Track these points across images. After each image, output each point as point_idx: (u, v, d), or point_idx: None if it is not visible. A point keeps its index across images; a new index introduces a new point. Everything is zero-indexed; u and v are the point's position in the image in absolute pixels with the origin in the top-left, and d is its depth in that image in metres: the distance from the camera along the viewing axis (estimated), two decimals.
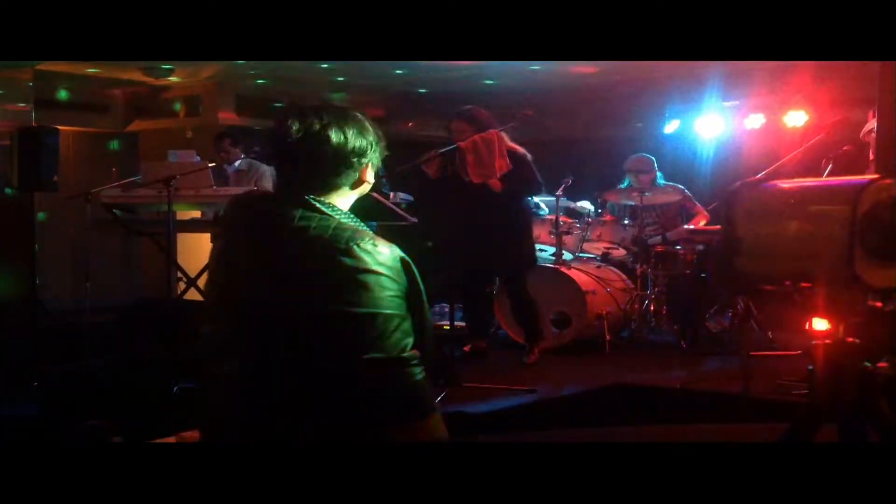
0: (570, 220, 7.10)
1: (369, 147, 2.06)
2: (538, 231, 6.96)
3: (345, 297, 1.86)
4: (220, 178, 6.89)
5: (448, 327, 5.61)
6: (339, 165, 2.01)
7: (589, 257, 7.15)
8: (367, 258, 1.89)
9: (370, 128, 2.08)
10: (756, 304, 6.12)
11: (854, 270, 1.29)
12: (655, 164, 7.10)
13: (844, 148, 5.88)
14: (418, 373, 1.87)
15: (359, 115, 2.08)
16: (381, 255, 1.91)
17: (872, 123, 5.80)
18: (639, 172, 7.02)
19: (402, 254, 1.96)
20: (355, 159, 2.03)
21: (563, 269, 6.50)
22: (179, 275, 6.72)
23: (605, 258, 7.14)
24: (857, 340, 1.29)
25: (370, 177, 2.09)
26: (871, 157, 5.77)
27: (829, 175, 5.43)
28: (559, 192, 6.82)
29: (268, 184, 7.09)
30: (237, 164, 7.24)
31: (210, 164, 6.60)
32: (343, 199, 2.07)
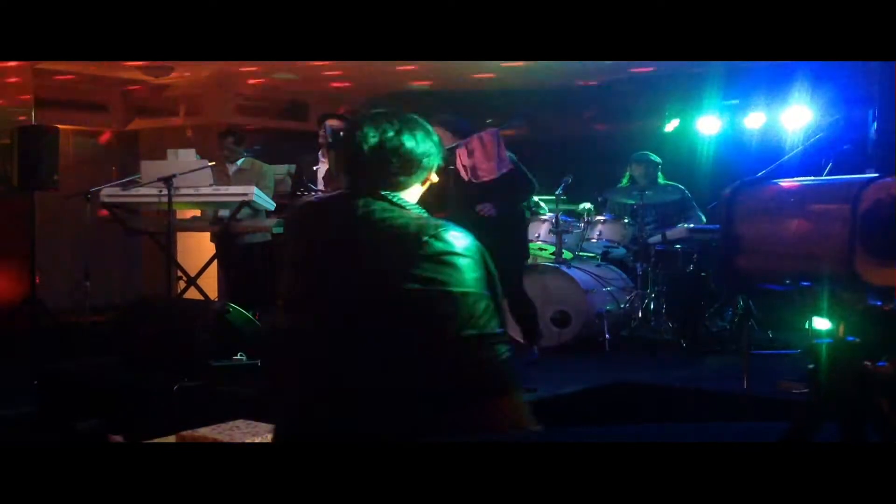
0: (570, 220, 7.10)
1: (435, 149, 2.27)
2: (538, 229, 6.96)
3: (441, 278, 2.04)
4: (221, 177, 6.89)
5: None
6: (412, 167, 2.22)
7: (589, 256, 7.16)
8: (455, 243, 2.08)
9: (433, 131, 2.30)
10: (756, 302, 6.12)
11: (854, 269, 1.29)
12: (660, 165, 7.10)
13: (844, 147, 5.88)
14: (506, 350, 2.05)
15: (423, 120, 2.29)
16: (465, 241, 2.10)
17: None
18: (647, 165, 7.01)
19: (478, 242, 2.15)
20: (425, 160, 2.24)
21: (563, 268, 6.50)
22: (179, 274, 6.73)
23: (605, 257, 7.14)
24: (857, 339, 1.28)
25: (434, 176, 2.31)
26: None
27: (828, 174, 5.44)
28: (559, 192, 6.82)
29: (269, 182, 7.08)
30: (239, 162, 7.24)
31: (210, 164, 6.60)
32: (413, 195, 2.27)
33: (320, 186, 5.94)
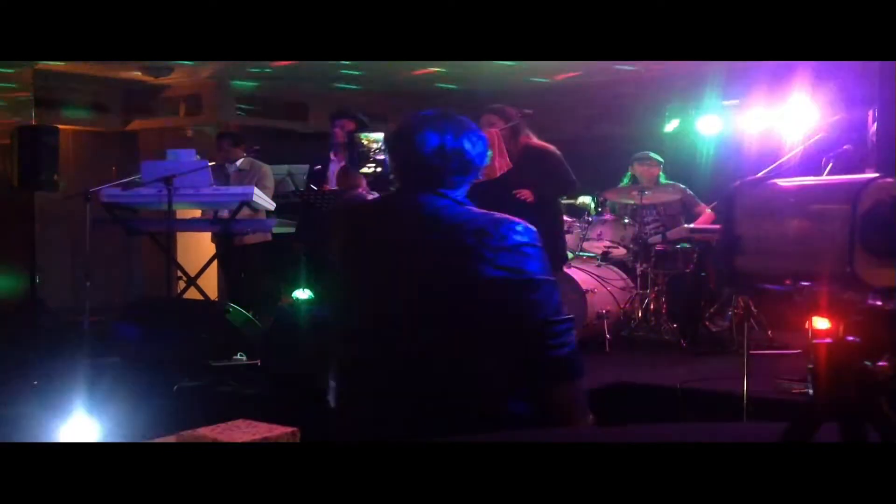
0: (571, 219, 7.09)
1: (486, 150, 2.39)
2: None
3: (525, 267, 2.17)
4: (220, 178, 6.89)
5: None
6: (468, 168, 2.34)
7: (589, 256, 7.15)
8: (529, 235, 2.22)
9: (482, 134, 2.41)
10: (756, 303, 6.12)
11: (854, 269, 1.29)
12: (662, 164, 7.11)
13: (844, 147, 5.88)
14: (574, 335, 2.22)
15: (472, 122, 2.41)
16: (533, 231, 2.24)
17: None
18: (650, 165, 7.01)
19: None
20: (478, 161, 2.36)
21: (563, 268, 6.49)
22: (179, 274, 6.73)
23: (606, 257, 7.13)
24: (857, 339, 1.28)
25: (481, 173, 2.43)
26: None
27: (829, 174, 5.43)
28: None
29: (269, 182, 7.08)
30: (238, 163, 7.24)
31: (210, 164, 6.60)
32: (463, 193, 2.37)
33: (332, 186, 5.93)
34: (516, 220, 2.25)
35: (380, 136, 2.88)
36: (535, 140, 5.65)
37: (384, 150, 2.86)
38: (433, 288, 2.19)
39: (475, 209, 2.29)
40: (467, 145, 2.33)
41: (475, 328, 2.17)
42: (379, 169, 2.85)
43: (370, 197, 2.65)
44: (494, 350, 2.17)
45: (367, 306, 2.30)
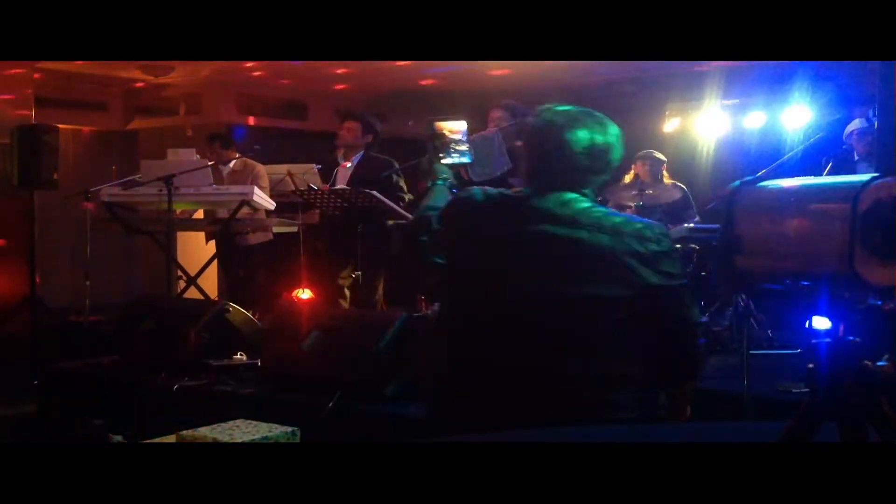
0: None
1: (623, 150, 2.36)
2: None
3: (678, 272, 2.20)
4: (216, 179, 6.89)
5: None
6: (608, 169, 2.32)
7: None
8: (672, 240, 2.25)
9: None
10: (756, 302, 6.11)
11: (854, 269, 1.29)
12: (664, 164, 7.10)
13: (844, 145, 5.88)
14: None
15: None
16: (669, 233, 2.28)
17: (855, 124, 5.81)
18: (652, 164, 7.01)
19: None
20: (617, 163, 2.34)
21: None
22: (179, 273, 6.73)
23: None
24: (857, 339, 1.28)
25: None
26: (856, 157, 5.78)
27: (828, 173, 5.43)
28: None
29: (264, 182, 7.06)
30: (231, 164, 7.23)
31: (210, 163, 6.60)
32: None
33: (339, 185, 5.94)
34: (656, 222, 2.28)
35: (462, 125, 2.82)
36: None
37: (466, 141, 2.80)
38: (584, 290, 2.17)
39: (614, 211, 2.30)
40: (614, 146, 2.31)
41: (625, 329, 2.18)
42: (464, 160, 2.79)
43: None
44: (642, 351, 2.20)
45: (501, 305, 2.25)
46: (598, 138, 2.29)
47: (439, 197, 2.53)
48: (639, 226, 2.23)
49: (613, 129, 2.33)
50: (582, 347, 2.18)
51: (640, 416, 2.19)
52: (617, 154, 2.33)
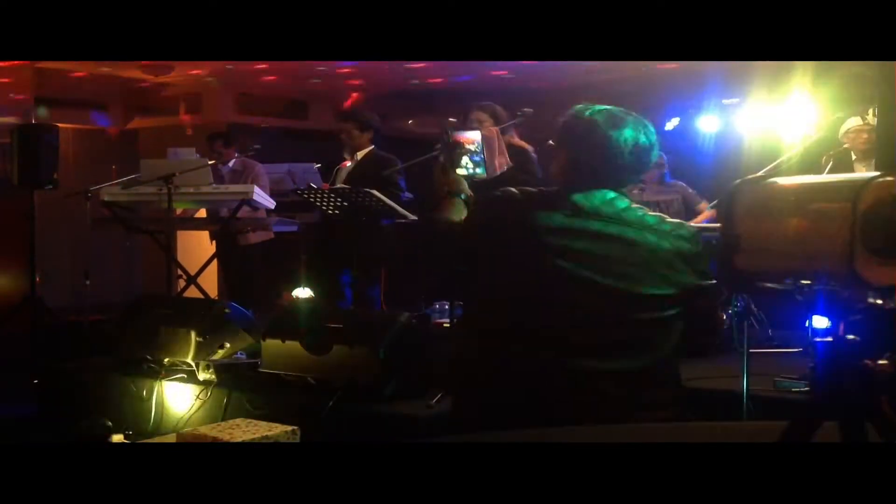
0: None
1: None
2: None
3: (708, 272, 2.23)
4: (216, 178, 6.89)
5: (448, 325, 5.60)
6: (644, 169, 2.37)
7: None
8: (700, 236, 2.27)
9: None
10: (756, 301, 6.11)
11: (854, 268, 1.28)
12: (666, 163, 7.10)
13: (844, 146, 5.87)
14: None
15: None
16: None
17: (850, 123, 5.81)
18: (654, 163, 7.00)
19: None
20: (654, 162, 2.40)
21: None
22: (179, 273, 6.72)
23: None
24: (857, 338, 1.28)
25: None
26: (854, 157, 5.78)
27: (829, 173, 5.43)
28: None
29: (264, 181, 7.06)
30: (231, 164, 7.23)
31: (210, 162, 6.60)
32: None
33: (339, 184, 5.94)
34: (685, 222, 2.32)
35: (477, 135, 2.81)
36: (516, 139, 5.64)
37: (481, 152, 2.78)
38: (636, 289, 2.19)
39: (650, 211, 2.30)
40: (655, 145, 2.34)
41: (669, 327, 2.23)
42: (479, 172, 2.77)
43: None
44: (676, 348, 2.25)
45: (547, 302, 2.24)
46: (642, 138, 2.31)
47: (459, 212, 2.53)
48: (675, 224, 2.26)
49: (652, 129, 2.36)
50: (630, 346, 2.20)
51: (676, 415, 2.21)
52: (655, 153, 2.35)
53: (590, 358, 2.18)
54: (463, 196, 2.58)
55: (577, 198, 2.29)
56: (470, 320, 2.50)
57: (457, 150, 2.73)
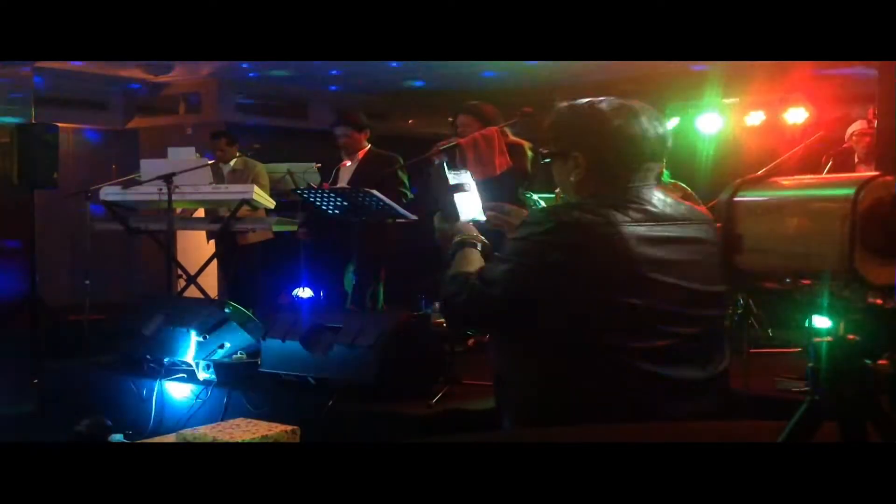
0: None
1: None
2: None
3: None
4: (217, 177, 6.89)
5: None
6: (668, 147, 2.21)
7: None
8: None
9: None
10: (756, 301, 6.11)
11: (854, 267, 1.28)
12: (664, 162, 7.10)
13: (844, 145, 5.88)
14: None
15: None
16: None
17: (856, 125, 5.82)
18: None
19: None
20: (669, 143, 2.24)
21: None
22: (179, 272, 6.73)
23: None
24: (857, 338, 1.28)
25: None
26: (857, 159, 5.79)
27: (829, 172, 5.43)
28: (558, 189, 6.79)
29: (264, 181, 7.07)
30: (232, 163, 7.23)
31: (210, 162, 6.60)
32: None
33: (340, 184, 5.95)
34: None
35: (466, 176, 2.52)
36: (511, 137, 5.64)
37: (473, 189, 2.53)
38: (711, 289, 2.08)
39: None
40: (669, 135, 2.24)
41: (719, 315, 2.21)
42: (479, 217, 2.49)
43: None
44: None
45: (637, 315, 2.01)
46: (659, 130, 2.21)
47: (475, 262, 2.26)
48: (704, 217, 2.18)
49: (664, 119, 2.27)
50: (718, 350, 2.13)
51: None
52: (670, 143, 2.22)
53: (695, 369, 2.06)
54: (479, 246, 2.33)
55: (646, 202, 2.10)
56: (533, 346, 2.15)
57: (452, 196, 2.47)
